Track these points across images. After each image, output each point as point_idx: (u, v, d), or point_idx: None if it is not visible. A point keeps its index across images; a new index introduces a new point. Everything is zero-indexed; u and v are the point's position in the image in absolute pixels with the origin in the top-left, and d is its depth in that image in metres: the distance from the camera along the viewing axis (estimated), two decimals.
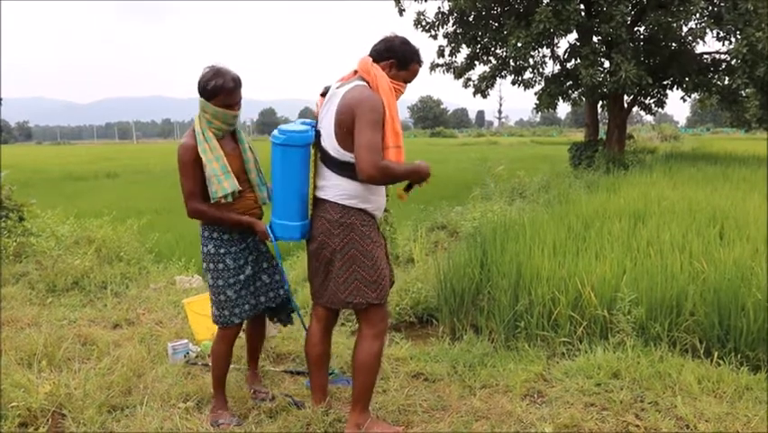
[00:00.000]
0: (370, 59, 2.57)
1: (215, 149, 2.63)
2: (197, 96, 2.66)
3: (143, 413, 2.80)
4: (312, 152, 2.58)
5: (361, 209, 2.53)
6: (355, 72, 2.60)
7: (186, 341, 3.65)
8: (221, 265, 2.74)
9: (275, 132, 2.57)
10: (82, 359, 3.57)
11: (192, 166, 2.62)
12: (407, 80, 2.63)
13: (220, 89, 2.59)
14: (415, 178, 2.59)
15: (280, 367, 3.46)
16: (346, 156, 2.47)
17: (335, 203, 2.52)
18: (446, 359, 3.48)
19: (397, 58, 2.56)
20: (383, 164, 2.40)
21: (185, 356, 3.53)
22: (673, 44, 13.89)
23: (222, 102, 2.62)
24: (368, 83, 2.51)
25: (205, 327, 3.77)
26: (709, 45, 35.40)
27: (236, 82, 2.63)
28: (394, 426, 2.75)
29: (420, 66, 2.64)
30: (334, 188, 2.52)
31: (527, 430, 2.73)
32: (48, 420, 2.78)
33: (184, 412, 2.84)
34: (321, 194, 2.56)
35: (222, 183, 2.61)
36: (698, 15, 12.95)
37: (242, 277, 2.77)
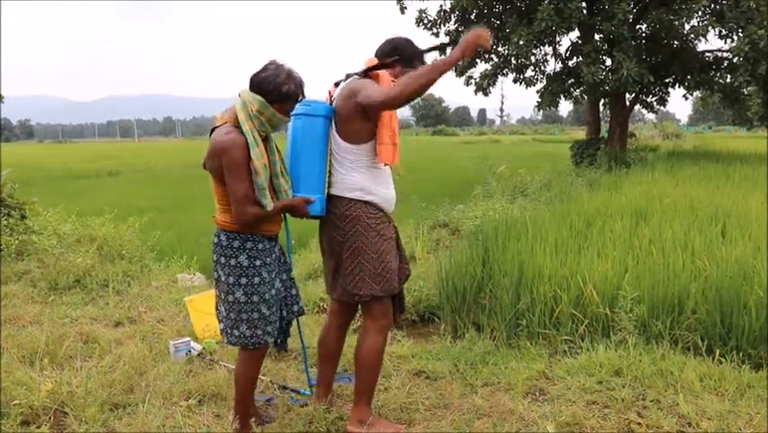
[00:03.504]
0: (376, 60, 2.66)
1: (264, 155, 2.39)
2: (249, 92, 2.39)
3: (145, 411, 2.80)
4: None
5: (365, 202, 2.56)
6: None
7: (187, 339, 3.65)
8: (257, 279, 2.45)
9: (297, 107, 2.51)
10: (84, 357, 3.58)
11: (246, 166, 2.34)
12: None
13: (292, 96, 2.39)
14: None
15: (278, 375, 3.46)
16: (346, 147, 2.54)
17: (341, 196, 2.57)
18: (448, 357, 3.48)
19: (402, 56, 2.65)
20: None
21: (186, 354, 3.53)
22: (675, 42, 13.84)
23: (285, 109, 2.42)
24: (372, 79, 2.56)
25: (206, 325, 3.78)
26: (711, 43, 35.33)
27: (303, 90, 2.46)
28: (396, 424, 2.76)
29: (424, 65, 2.68)
30: (339, 182, 2.57)
31: (529, 428, 2.73)
32: (50, 418, 2.78)
33: (186, 410, 2.84)
34: (331, 190, 2.60)
35: (267, 197, 2.40)
36: (700, 13, 12.94)
37: (273, 291, 2.53)
